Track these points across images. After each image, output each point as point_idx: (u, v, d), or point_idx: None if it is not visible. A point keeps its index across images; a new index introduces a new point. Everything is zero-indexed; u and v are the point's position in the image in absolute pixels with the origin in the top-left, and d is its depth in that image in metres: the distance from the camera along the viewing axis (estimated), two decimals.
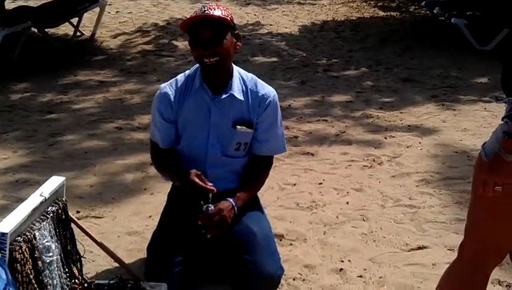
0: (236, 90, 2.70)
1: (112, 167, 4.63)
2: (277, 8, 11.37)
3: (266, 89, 2.77)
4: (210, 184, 2.55)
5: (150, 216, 3.74)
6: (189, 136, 2.75)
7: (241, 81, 2.74)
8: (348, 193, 4.12)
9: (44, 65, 7.70)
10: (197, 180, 2.54)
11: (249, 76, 2.79)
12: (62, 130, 5.44)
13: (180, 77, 2.78)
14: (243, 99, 2.70)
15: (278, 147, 2.87)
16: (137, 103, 6.25)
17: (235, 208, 2.67)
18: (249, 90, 2.73)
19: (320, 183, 4.26)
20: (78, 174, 4.45)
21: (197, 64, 2.72)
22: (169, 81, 2.78)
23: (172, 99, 2.70)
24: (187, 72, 2.79)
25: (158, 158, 2.84)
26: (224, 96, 2.68)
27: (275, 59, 7.95)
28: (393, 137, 5.14)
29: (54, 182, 2.54)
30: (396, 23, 9.95)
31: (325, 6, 11.57)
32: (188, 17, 2.56)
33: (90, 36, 9.12)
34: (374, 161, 4.64)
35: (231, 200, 2.67)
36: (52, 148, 5.00)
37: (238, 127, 2.70)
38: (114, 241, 3.43)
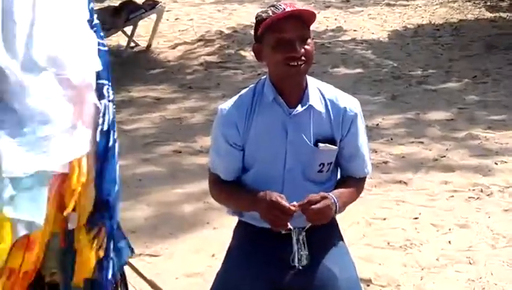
0: (315, 101, 2.66)
1: (169, 196, 4.68)
2: (362, 10, 11.34)
3: (349, 101, 2.72)
4: (293, 204, 2.50)
5: (213, 255, 3.74)
6: (261, 162, 2.71)
7: (319, 92, 2.71)
8: (450, 229, 4.01)
9: None
10: (279, 199, 2.49)
11: (327, 86, 2.75)
12: None
13: (244, 94, 2.75)
14: (323, 110, 2.67)
15: (363, 167, 2.81)
16: (199, 122, 6.32)
17: (337, 204, 2.58)
18: (328, 102, 2.69)
19: (416, 218, 4.17)
20: (131, 205, 4.51)
21: (264, 77, 2.70)
22: (231, 99, 2.75)
23: (238, 121, 2.67)
24: (251, 87, 2.76)
25: (220, 190, 2.81)
26: (301, 108, 2.64)
27: (359, 70, 7.90)
28: (506, 163, 4.99)
29: None
30: (506, 26, 9.72)
31: (420, 7, 11.45)
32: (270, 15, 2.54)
33: (145, 47, 9.35)
34: (481, 191, 4.51)
35: (329, 194, 2.59)
36: None
37: (321, 145, 2.66)
38: (171, 283, 3.45)
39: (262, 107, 2.66)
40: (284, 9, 2.51)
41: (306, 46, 2.52)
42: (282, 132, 2.64)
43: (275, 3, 2.60)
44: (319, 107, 2.65)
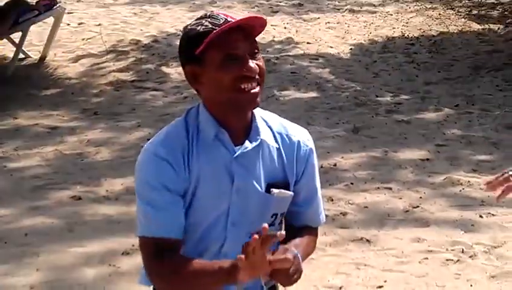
0: (267, 135, 2.66)
1: (64, 257, 4.61)
2: (318, 18, 11.43)
3: (301, 133, 2.74)
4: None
5: None
6: (198, 217, 2.67)
7: (265, 123, 2.72)
8: None
9: None
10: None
11: (271, 116, 2.76)
12: None
13: (172, 133, 2.69)
14: (278, 146, 2.67)
15: (318, 213, 2.84)
16: (106, 159, 6.27)
17: (299, 257, 2.56)
18: (277, 136, 2.71)
19: (381, 287, 4.21)
20: (13, 269, 4.44)
21: (193, 108, 2.68)
22: (157, 137, 2.69)
23: (175, 165, 2.61)
24: (179, 121, 2.71)
25: (174, 264, 2.66)
26: (251, 146, 2.62)
27: (314, 94, 7.97)
28: (493, 215, 5.07)
29: None
30: (497, 41, 9.94)
31: (391, 15, 11.62)
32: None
33: (38, 59, 9.25)
34: (462, 252, 4.58)
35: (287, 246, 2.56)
36: None
37: (275, 191, 2.65)
38: None
39: (202, 147, 2.60)
40: (226, 19, 2.50)
41: (258, 62, 2.53)
42: (226, 178, 2.58)
43: (208, 13, 2.58)
44: (272, 142, 2.65)
